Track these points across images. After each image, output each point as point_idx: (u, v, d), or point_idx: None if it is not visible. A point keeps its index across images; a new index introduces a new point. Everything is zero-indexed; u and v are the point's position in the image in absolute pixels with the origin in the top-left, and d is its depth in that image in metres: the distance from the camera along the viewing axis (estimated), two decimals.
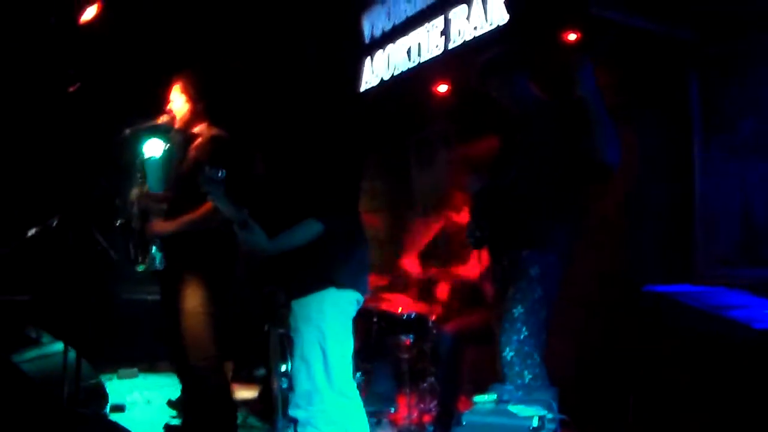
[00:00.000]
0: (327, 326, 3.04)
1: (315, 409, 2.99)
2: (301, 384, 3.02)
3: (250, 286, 5.75)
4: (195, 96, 4.07)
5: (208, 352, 3.82)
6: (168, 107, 4.10)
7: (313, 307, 3.05)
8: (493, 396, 2.93)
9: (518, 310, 3.33)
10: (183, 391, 4.65)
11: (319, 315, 3.04)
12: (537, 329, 3.33)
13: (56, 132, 6.28)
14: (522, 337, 3.31)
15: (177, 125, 4.10)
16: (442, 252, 5.30)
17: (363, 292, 3.21)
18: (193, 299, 3.81)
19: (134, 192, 4.13)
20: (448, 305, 5.11)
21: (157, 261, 3.93)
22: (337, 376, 3.01)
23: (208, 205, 3.76)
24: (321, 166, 3.13)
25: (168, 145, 4.41)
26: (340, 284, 3.10)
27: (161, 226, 3.96)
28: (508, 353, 3.32)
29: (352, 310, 3.18)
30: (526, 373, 3.28)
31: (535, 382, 3.25)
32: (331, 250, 3.09)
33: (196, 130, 4.08)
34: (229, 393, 3.95)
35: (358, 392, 3.20)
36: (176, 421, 4.91)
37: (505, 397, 2.91)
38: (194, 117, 4.08)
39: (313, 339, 3.02)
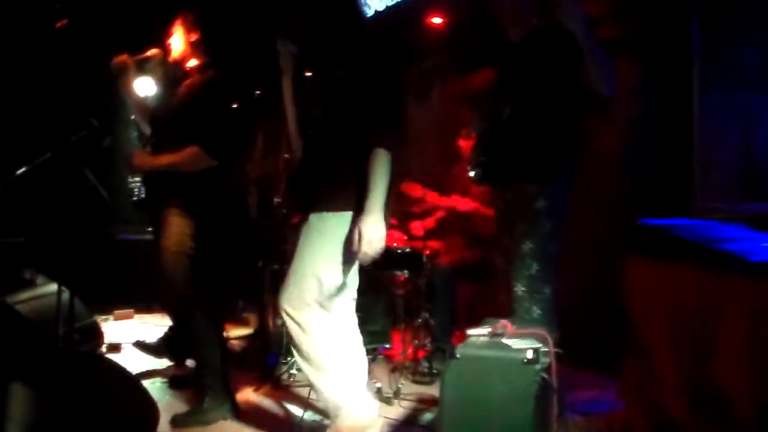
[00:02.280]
0: (337, 241, 3.01)
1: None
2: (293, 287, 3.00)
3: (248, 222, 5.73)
4: (192, 28, 3.98)
5: (183, 293, 3.78)
6: (168, 41, 4.00)
7: (333, 224, 3.01)
8: (486, 329, 2.93)
9: (527, 246, 3.30)
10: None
11: (335, 228, 3.01)
12: (547, 264, 3.30)
13: (44, 69, 6.21)
14: (533, 272, 3.28)
15: (171, 58, 4.01)
16: None
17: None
18: (170, 236, 3.76)
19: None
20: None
21: (138, 191, 3.92)
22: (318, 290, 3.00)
23: (194, 150, 3.71)
24: (373, 94, 3.06)
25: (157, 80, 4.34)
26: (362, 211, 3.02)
27: (142, 159, 3.91)
28: (519, 289, 3.30)
29: None
30: (534, 308, 3.27)
31: (544, 317, 3.24)
32: (363, 176, 3.01)
33: (190, 64, 3.99)
34: (211, 332, 3.90)
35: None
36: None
37: (500, 330, 2.91)
38: (191, 50, 3.99)
39: (318, 248, 3.01)
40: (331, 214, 3.01)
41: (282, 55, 3.21)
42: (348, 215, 3.00)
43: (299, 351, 3.02)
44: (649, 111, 4.37)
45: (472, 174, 3.64)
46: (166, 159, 3.80)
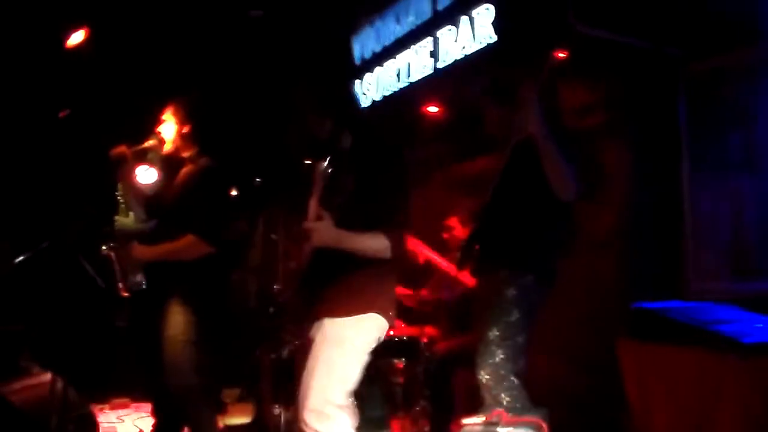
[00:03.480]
0: (356, 350, 2.93)
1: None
2: (314, 400, 2.93)
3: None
4: (184, 119, 4.05)
5: (189, 381, 3.76)
6: (157, 129, 4.07)
7: (350, 329, 2.93)
8: (482, 418, 2.90)
9: (493, 333, 3.28)
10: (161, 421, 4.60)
11: (354, 337, 2.93)
12: (513, 353, 3.27)
13: (46, 158, 6.29)
14: (497, 360, 3.24)
15: (165, 149, 4.07)
16: None
17: (390, 324, 3.08)
18: (175, 326, 3.77)
19: (118, 219, 4.10)
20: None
21: (141, 283, 3.91)
22: (340, 397, 2.93)
23: (190, 238, 3.74)
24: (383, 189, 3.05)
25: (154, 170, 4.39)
26: (380, 312, 2.98)
27: (141, 250, 3.92)
28: (483, 376, 3.27)
29: (378, 339, 3.05)
30: (503, 395, 3.23)
31: (514, 405, 3.19)
32: (379, 274, 2.98)
33: (186, 155, 4.06)
34: (212, 425, 3.87)
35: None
36: None
37: (495, 419, 2.88)
38: (183, 141, 4.05)
39: (337, 358, 2.90)
40: (346, 319, 2.93)
41: (318, 174, 3.00)
42: (365, 318, 2.94)
43: None
44: (640, 194, 4.41)
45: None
46: (164, 248, 3.83)
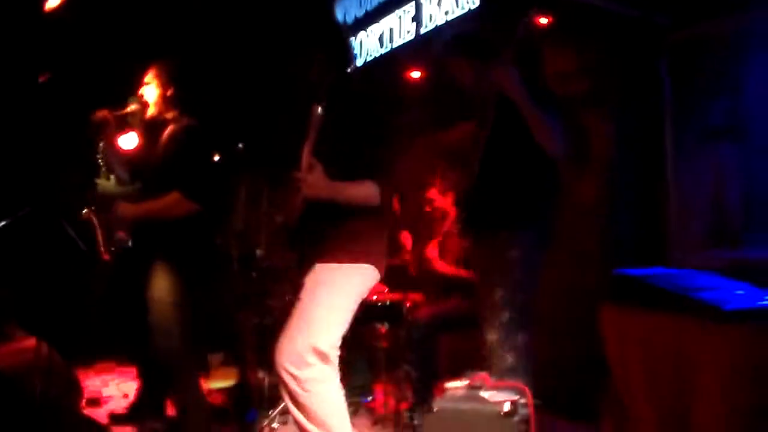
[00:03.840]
0: (345, 298, 2.97)
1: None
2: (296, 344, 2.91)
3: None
4: (167, 82, 4.03)
5: (176, 343, 3.77)
6: (139, 92, 4.04)
7: (342, 276, 2.96)
8: (464, 382, 2.93)
9: (498, 294, 3.31)
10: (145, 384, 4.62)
11: (344, 284, 2.96)
12: (519, 312, 3.31)
13: (27, 123, 6.22)
14: (504, 320, 3.29)
15: (149, 113, 4.05)
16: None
17: (381, 276, 3.12)
18: (161, 288, 3.77)
19: (99, 182, 4.09)
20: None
21: (127, 241, 3.91)
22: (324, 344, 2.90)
23: (175, 195, 3.74)
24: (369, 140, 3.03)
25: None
26: (374, 263, 3.02)
27: (126, 208, 3.93)
28: (491, 337, 3.30)
29: (367, 290, 3.10)
30: (508, 357, 3.27)
31: (518, 365, 3.24)
32: (371, 225, 3.03)
33: (168, 117, 4.03)
34: (197, 388, 3.90)
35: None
36: None
37: (478, 383, 2.91)
38: (166, 104, 4.03)
39: (325, 303, 2.92)
40: (339, 265, 2.96)
41: (314, 119, 3.05)
42: (357, 267, 2.98)
43: (300, 410, 2.87)
44: (624, 161, 4.44)
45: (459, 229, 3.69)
46: (149, 206, 3.84)
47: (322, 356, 2.87)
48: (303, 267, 3.05)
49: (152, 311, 3.75)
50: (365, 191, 2.96)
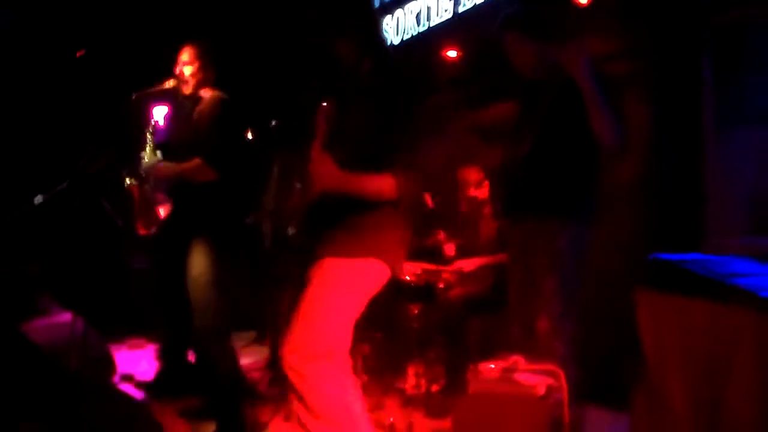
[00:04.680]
0: (351, 294, 2.90)
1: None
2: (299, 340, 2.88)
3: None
4: (206, 63, 4.05)
5: (215, 322, 3.80)
6: (178, 70, 4.06)
7: (347, 271, 2.88)
8: (499, 365, 2.93)
9: (550, 283, 3.31)
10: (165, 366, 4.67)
11: (350, 280, 2.89)
12: (570, 302, 3.31)
13: (64, 98, 6.29)
14: (556, 308, 3.29)
15: (186, 90, 4.08)
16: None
17: (395, 270, 3.02)
18: (199, 266, 3.80)
19: (145, 156, 4.12)
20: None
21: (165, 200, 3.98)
22: (329, 341, 2.83)
23: (197, 161, 3.81)
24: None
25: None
26: (383, 258, 2.94)
27: (165, 167, 4.02)
28: (543, 324, 3.30)
29: (378, 286, 3.00)
30: (559, 346, 3.27)
31: (567, 355, 3.23)
32: (382, 218, 2.93)
33: (204, 95, 4.06)
34: (234, 366, 3.93)
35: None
36: None
37: (512, 365, 2.91)
38: (203, 83, 4.07)
39: (329, 299, 2.85)
40: (347, 261, 2.88)
41: (321, 116, 3.02)
42: (365, 263, 2.90)
43: (304, 407, 2.82)
44: (661, 146, 4.39)
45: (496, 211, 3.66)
46: (175, 168, 3.89)
47: (328, 354, 2.81)
48: (310, 257, 2.97)
49: (191, 290, 3.79)
50: (380, 184, 2.86)
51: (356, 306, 2.92)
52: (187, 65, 4.05)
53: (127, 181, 4.14)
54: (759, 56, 3.95)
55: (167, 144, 4.20)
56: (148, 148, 4.16)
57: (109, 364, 4.99)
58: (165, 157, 4.15)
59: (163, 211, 4.10)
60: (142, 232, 4.19)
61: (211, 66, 4.09)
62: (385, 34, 3.72)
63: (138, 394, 4.74)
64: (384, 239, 2.94)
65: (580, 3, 4.36)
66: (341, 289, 2.87)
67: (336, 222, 2.92)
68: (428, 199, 5.01)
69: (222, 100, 3.98)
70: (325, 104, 3.00)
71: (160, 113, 4.36)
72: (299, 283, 4.10)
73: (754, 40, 3.99)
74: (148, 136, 4.17)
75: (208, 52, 4.09)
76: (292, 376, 2.81)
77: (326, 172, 2.84)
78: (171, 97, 4.29)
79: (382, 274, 2.95)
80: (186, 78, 4.04)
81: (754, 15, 3.99)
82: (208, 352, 3.90)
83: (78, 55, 4.23)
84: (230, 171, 3.89)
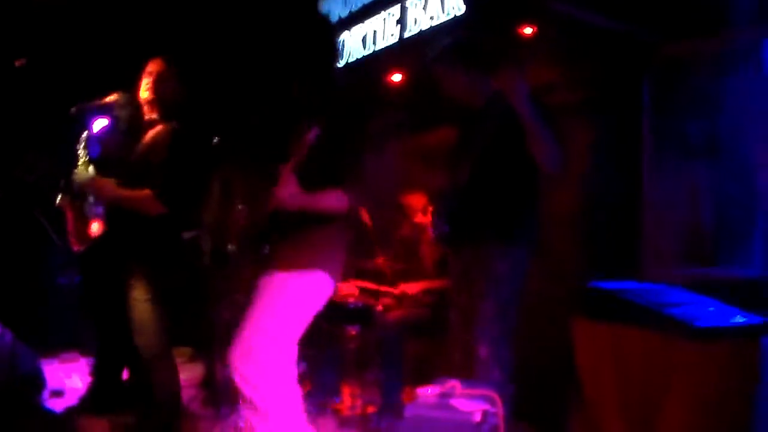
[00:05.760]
0: (297, 304, 2.98)
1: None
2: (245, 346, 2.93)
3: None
4: (167, 83, 3.97)
5: (158, 340, 3.74)
6: (148, 82, 3.95)
7: (294, 282, 2.97)
8: (436, 390, 2.93)
9: (489, 309, 3.34)
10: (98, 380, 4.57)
11: (296, 291, 2.97)
12: (508, 326, 3.34)
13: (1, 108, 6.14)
14: (495, 334, 3.32)
15: (142, 108, 4.00)
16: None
17: (335, 284, 3.12)
18: (138, 286, 3.74)
19: (78, 171, 4.03)
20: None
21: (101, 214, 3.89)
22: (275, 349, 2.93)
23: (148, 193, 3.71)
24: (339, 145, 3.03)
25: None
26: (329, 272, 3.03)
27: (105, 184, 3.88)
28: (482, 351, 3.32)
29: (323, 299, 3.09)
30: (496, 371, 3.29)
31: (503, 379, 3.26)
32: (330, 232, 3.04)
33: (153, 117, 3.98)
34: (175, 385, 3.87)
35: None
36: None
37: (449, 390, 2.91)
38: (155, 103, 3.98)
39: (276, 308, 2.95)
40: (295, 273, 2.97)
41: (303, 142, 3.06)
42: (312, 274, 2.97)
43: (249, 405, 2.93)
44: (600, 174, 4.46)
45: (437, 236, 3.68)
46: (124, 193, 3.79)
47: (277, 363, 2.92)
48: (259, 268, 3.07)
49: (132, 310, 3.73)
50: (335, 201, 2.97)
51: (304, 317, 3.01)
52: (146, 82, 3.97)
53: (59, 198, 4.06)
54: (697, 91, 4.04)
55: (102, 160, 4.12)
56: (80, 162, 4.08)
57: (38, 379, 4.87)
58: (99, 172, 4.08)
59: (96, 227, 4.02)
60: (75, 247, 4.11)
61: (174, 82, 4.01)
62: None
63: (68, 410, 4.62)
64: (330, 253, 3.05)
65: (524, 33, 4.42)
66: (290, 300, 2.96)
67: (285, 237, 3.00)
68: (366, 216, 5.01)
69: (179, 132, 3.91)
70: (309, 129, 3.04)
71: (98, 127, 4.28)
72: (238, 300, 4.10)
73: (695, 75, 4.09)
74: (81, 150, 4.09)
75: (169, 73, 4.01)
76: (241, 383, 2.90)
77: (291, 193, 2.89)
78: (111, 112, 4.22)
79: (328, 287, 3.04)
80: (141, 94, 3.96)
81: (694, 50, 4.09)
82: (150, 369, 3.84)
83: (17, 64, 4.13)
84: (176, 205, 3.84)
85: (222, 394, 4.73)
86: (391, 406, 4.54)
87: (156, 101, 3.94)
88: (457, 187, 3.55)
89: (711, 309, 2.88)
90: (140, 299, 3.72)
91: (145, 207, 3.73)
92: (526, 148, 3.31)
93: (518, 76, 3.22)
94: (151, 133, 3.92)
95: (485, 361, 3.31)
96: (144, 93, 3.93)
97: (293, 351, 2.99)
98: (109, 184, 3.89)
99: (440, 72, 3.69)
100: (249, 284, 3.19)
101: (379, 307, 4.81)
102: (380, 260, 5.17)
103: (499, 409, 2.77)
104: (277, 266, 2.99)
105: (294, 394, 3.02)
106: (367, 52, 5.53)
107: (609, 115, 4.46)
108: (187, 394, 5.36)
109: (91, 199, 3.97)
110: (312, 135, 3.00)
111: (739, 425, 2.59)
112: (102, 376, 4.69)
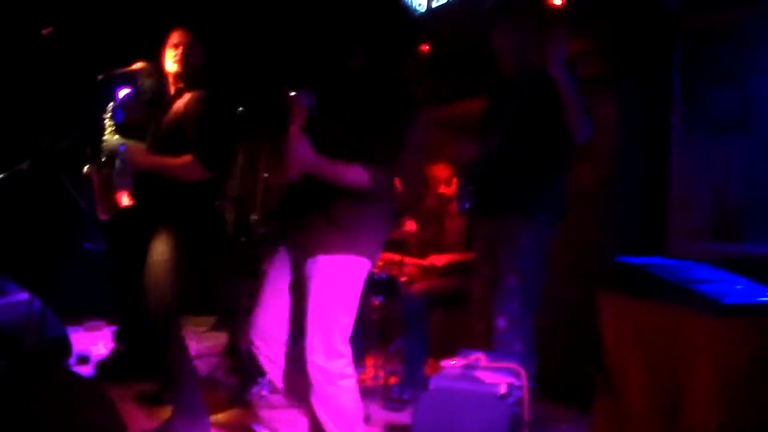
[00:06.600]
0: (350, 290, 2.95)
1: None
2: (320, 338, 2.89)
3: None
4: (194, 54, 3.97)
5: (169, 302, 3.74)
6: (175, 54, 3.95)
7: (348, 269, 2.93)
8: (460, 362, 2.93)
9: (511, 281, 3.34)
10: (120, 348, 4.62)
11: (352, 279, 2.94)
12: (529, 299, 3.34)
13: (28, 76, 6.16)
14: (516, 306, 3.31)
15: (169, 77, 4.00)
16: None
17: (373, 265, 3.10)
18: (162, 252, 3.74)
19: (106, 138, 4.03)
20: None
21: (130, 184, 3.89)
22: (342, 337, 2.91)
23: (189, 158, 3.70)
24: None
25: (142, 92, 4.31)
26: (366, 255, 2.97)
27: (141, 155, 3.86)
28: (502, 322, 3.32)
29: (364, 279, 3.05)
30: (516, 342, 3.30)
31: (524, 352, 3.26)
32: (374, 215, 2.98)
33: (180, 86, 3.98)
34: (181, 347, 3.88)
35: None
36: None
37: (473, 362, 2.91)
38: (182, 75, 3.97)
39: (340, 300, 2.92)
40: (343, 257, 2.91)
41: (296, 106, 2.98)
42: (359, 260, 2.94)
43: (323, 402, 2.90)
44: (628, 149, 4.42)
45: (461, 208, 3.67)
46: (163, 161, 3.78)
47: (344, 351, 2.90)
48: (296, 250, 3.05)
49: (149, 271, 3.73)
50: (355, 176, 2.88)
51: (356, 299, 2.98)
52: (172, 51, 3.96)
53: (86, 167, 4.07)
54: (728, 64, 3.98)
55: (125, 126, 4.12)
56: (108, 131, 4.08)
57: (65, 345, 4.93)
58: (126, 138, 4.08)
59: (126, 199, 4.02)
60: (102, 216, 4.12)
61: (199, 52, 4.00)
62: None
63: (93, 376, 4.68)
64: (370, 235, 2.99)
65: (553, 3, 4.37)
66: (342, 285, 2.92)
67: (322, 215, 2.94)
68: (398, 184, 5.01)
69: (210, 97, 3.90)
70: (293, 92, 2.99)
71: (123, 94, 4.28)
72: (262, 270, 4.11)
73: (725, 48, 4.02)
74: (108, 118, 4.09)
75: (197, 45, 4.00)
76: (315, 375, 2.87)
77: (304, 153, 2.83)
78: (135, 80, 4.21)
79: (368, 266, 3.01)
80: (169, 63, 3.95)
81: (724, 22, 4.02)
82: (162, 332, 3.85)
83: (44, 32, 4.13)
84: (218, 169, 3.83)
85: (244, 364, 4.77)
86: (414, 377, 4.56)
87: (184, 73, 3.93)
88: (486, 156, 3.52)
89: (739, 286, 2.85)
90: (160, 258, 3.71)
91: (188, 172, 3.72)
92: (557, 119, 3.29)
93: (565, 39, 3.20)
94: (179, 103, 3.91)
95: (504, 333, 3.31)
96: (173, 66, 3.92)
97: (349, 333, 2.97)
98: (143, 151, 3.90)
99: (496, 24, 3.64)
100: (273, 255, 3.18)
101: (403, 279, 4.80)
102: (410, 230, 5.16)
103: (524, 382, 2.77)
104: (320, 251, 2.92)
105: (353, 376, 3.00)
106: None
107: (638, 88, 4.41)
108: (210, 362, 5.43)
109: (118, 167, 3.96)
110: (305, 99, 2.94)
111: (765, 403, 2.57)
112: (125, 343, 4.74)
